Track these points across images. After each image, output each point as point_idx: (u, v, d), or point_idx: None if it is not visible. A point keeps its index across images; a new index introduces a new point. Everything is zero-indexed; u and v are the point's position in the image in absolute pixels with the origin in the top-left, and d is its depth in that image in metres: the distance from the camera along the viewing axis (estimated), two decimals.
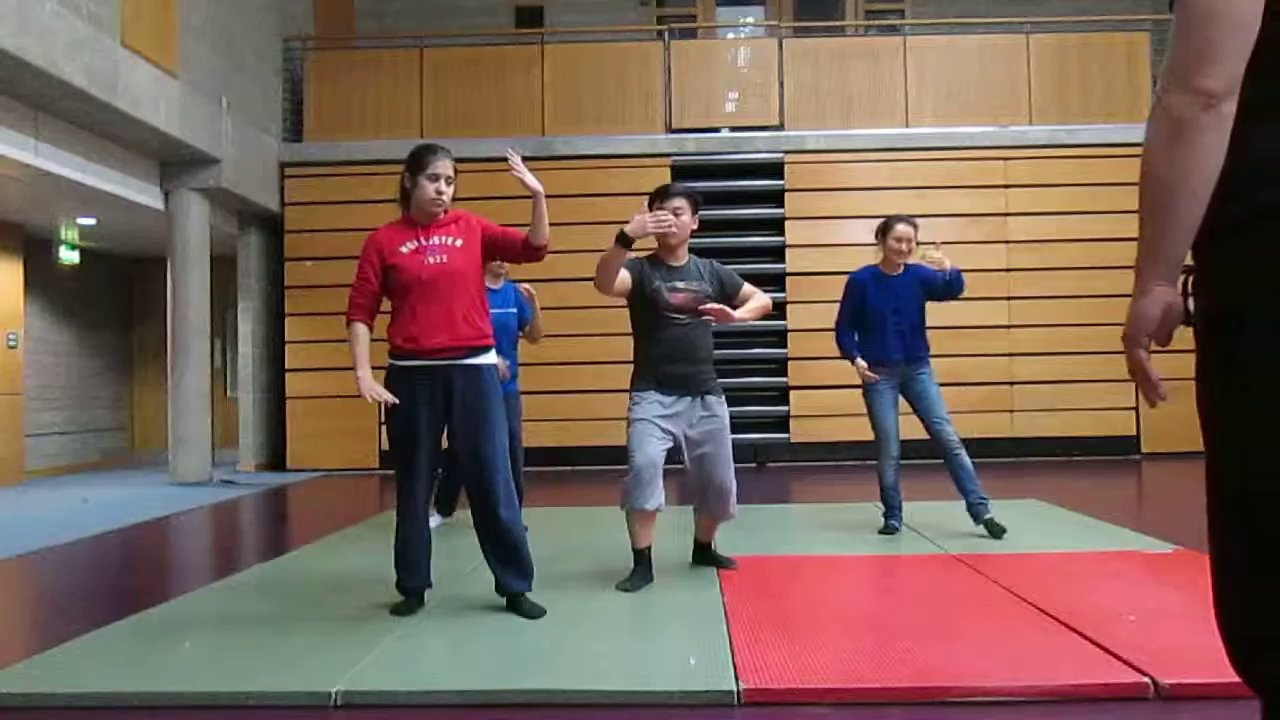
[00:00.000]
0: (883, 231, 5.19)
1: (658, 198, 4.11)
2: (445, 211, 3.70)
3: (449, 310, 3.58)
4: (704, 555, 4.45)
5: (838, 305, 5.26)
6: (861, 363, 5.14)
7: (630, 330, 4.21)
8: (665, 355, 4.03)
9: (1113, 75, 10.37)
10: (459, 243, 3.66)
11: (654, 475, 3.92)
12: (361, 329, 3.65)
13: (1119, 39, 10.46)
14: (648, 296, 4.04)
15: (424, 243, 3.64)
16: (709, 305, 4.01)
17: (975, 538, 5.02)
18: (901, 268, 5.19)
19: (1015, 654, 3.00)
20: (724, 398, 4.17)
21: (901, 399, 5.21)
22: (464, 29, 11.70)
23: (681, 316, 4.04)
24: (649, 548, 4.07)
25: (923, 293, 5.18)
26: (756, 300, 4.22)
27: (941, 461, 5.08)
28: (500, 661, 3.08)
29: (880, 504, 5.35)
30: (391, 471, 3.99)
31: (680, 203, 4.09)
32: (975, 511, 5.10)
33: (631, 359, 4.19)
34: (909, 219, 5.19)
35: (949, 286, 5.11)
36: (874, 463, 5.29)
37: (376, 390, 3.57)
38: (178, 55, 8.39)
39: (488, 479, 3.60)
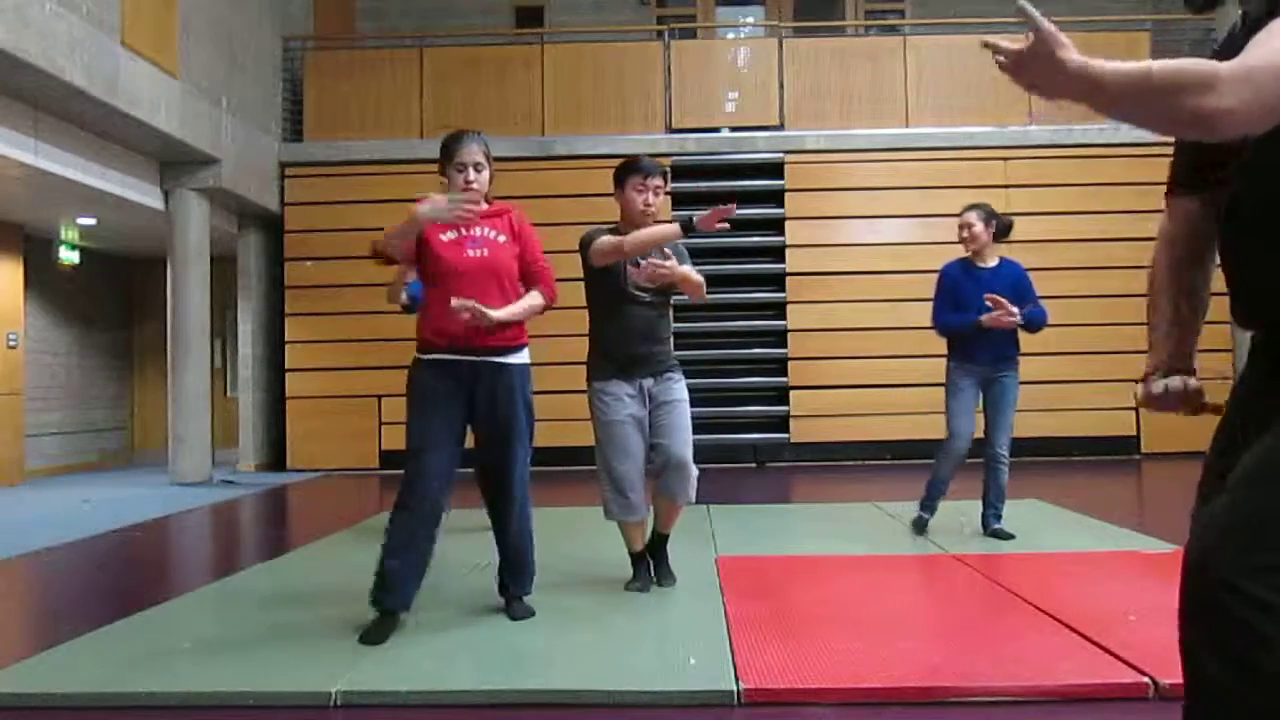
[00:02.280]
0: None
1: (638, 173, 3.95)
2: (489, 201, 3.56)
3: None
4: (657, 549, 4.17)
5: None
6: (983, 318, 4.71)
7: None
8: (626, 336, 3.94)
9: None
10: (502, 238, 3.54)
11: (639, 482, 3.91)
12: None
13: (1119, 39, 10.44)
14: (616, 272, 3.94)
15: (465, 233, 3.50)
16: (649, 262, 3.76)
17: (975, 537, 5.02)
18: (994, 260, 4.94)
19: (1015, 654, 3.00)
20: (683, 377, 4.06)
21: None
22: (464, 29, 11.69)
23: (644, 294, 3.97)
24: (645, 549, 4.08)
25: (1015, 295, 4.76)
26: (695, 275, 4.01)
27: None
28: (500, 661, 3.08)
29: (923, 506, 5.16)
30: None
31: (661, 181, 4.02)
32: (985, 521, 5.07)
33: None
34: (976, 206, 4.92)
35: (1025, 323, 4.75)
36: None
37: (434, 198, 3.35)
38: (178, 55, 8.39)
39: (505, 486, 3.55)
